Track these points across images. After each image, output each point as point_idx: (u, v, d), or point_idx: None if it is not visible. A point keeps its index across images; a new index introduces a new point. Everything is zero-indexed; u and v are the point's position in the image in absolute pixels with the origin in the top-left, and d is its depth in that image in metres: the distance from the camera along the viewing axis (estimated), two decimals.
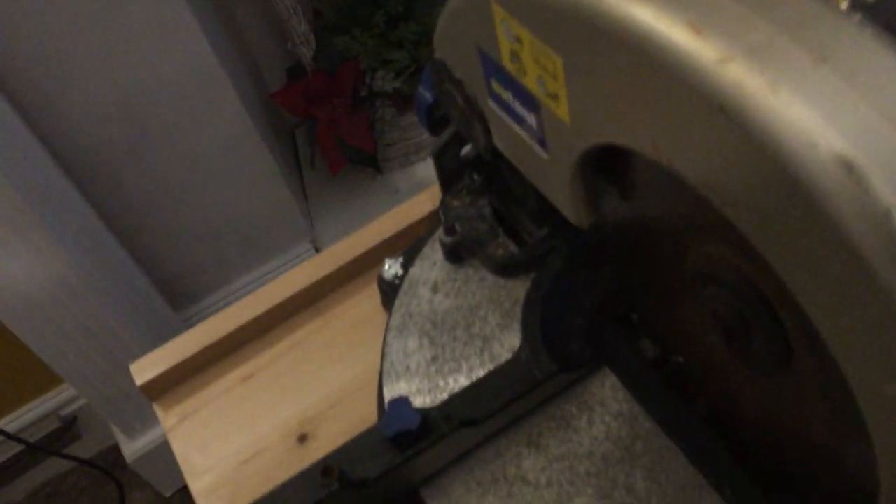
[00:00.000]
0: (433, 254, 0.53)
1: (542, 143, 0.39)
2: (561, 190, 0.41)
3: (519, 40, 0.35)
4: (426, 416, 0.43)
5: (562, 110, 0.35)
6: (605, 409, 0.45)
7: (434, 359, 0.49)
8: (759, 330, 0.34)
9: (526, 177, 0.44)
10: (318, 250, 1.55)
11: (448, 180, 0.53)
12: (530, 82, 0.37)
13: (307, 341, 0.58)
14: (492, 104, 0.42)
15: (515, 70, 0.37)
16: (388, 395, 0.48)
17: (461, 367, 0.48)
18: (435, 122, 0.54)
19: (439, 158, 0.52)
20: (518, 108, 0.40)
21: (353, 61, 1.42)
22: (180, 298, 1.44)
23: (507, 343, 0.48)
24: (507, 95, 0.40)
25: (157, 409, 0.57)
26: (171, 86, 1.22)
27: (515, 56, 0.37)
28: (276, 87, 1.57)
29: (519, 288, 0.51)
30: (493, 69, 0.40)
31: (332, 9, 1.43)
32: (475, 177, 0.53)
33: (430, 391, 0.48)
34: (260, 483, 0.53)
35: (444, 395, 0.47)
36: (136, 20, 1.12)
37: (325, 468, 0.44)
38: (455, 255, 0.52)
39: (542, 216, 0.50)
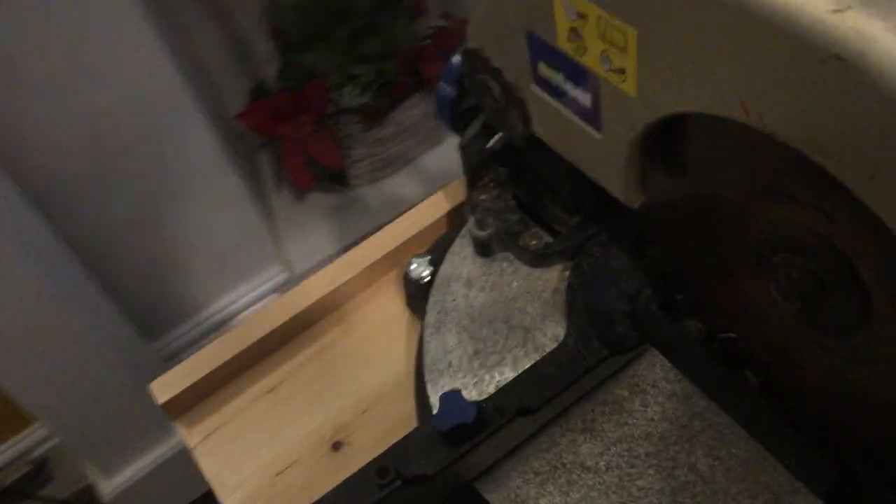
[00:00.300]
0: (463, 249, 0.53)
1: (596, 122, 0.39)
2: (613, 170, 0.41)
3: (582, 16, 0.35)
4: (480, 409, 0.43)
5: (629, 84, 0.35)
6: (657, 390, 0.45)
7: (476, 353, 0.48)
8: (839, 291, 0.34)
9: (569, 160, 0.44)
10: (290, 273, 1.52)
11: (474, 174, 0.53)
12: (590, 59, 0.37)
13: (331, 348, 0.57)
14: (535, 89, 0.42)
15: (573, 49, 0.37)
16: (433, 392, 0.47)
17: (505, 359, 0.48)
18: (457, 118, 0.54)
19: (467, 152, 0.52)
20: (570, 89, 0.40)
21: (318, 78, 1.41)
22: (152, 329, 1.40)
23: (550, 332, 0.48)
24: (558, 78, 0.40)
25: (180, 428, 0.55)
26: (136, 111, 1.19)
27: (575, 34, 0.36)
28: (237, 110, 1.55)
29: (554, 277, 0.50)
30: (543, 51, 0.39)
31: (294, 26, 1.42)
32: (501, 169, 0.53)
33: (475, 385, 0.47)
34: (297, 493, 0.51)
35: (491, 388, 0.47)
36: (100, 45, 1.09)
37: (381, 468, 0.42)
38: (487, 248, 0.52)
39: (574, 204, 0.50)
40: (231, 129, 1.57)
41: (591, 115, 0.39)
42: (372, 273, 0.58)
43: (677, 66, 0.32)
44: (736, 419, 0.43)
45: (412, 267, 0.54)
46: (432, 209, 0.60)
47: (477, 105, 0.48)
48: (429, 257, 0.54)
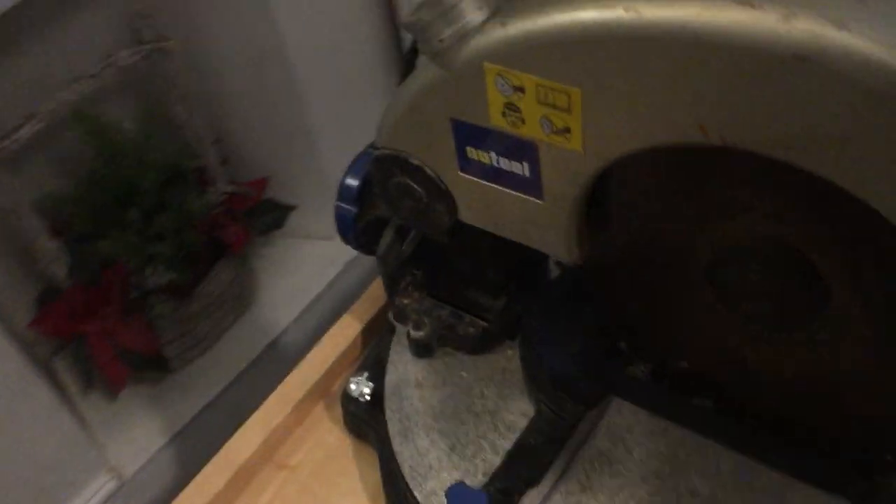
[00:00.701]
0: (400, 356, 0.53)
1: (536, 189, 0.42)
2: (555, 233, 0.43)
3: (519, 89, 0.38)
4: (489, 495, 0.42)
5: (573, 141, 0.38)
6: (633, 433, 0.47)
7: (452, 448, 0.48)
8: (798, 283, 0.38)
9: (504, 236, 0.46)
10: (119, 479, 1.40)
11: (393, 281, 0.54)
12: (529, 128, 0.40)
13: (280, 497, 0.53)
14: (462, 176, 0.45)
15: (508, 123, 0.40)
16: (425, 498, 0.46)
17: (482, 446, 0.48)
18: (359, 235, 0.55)
19: (384, 260, 0.53)
20: (504, 164, 0.42)
21: (115, 265, 1.35)
22: None
23: (515, 408, 0.49)
24: (489, 157, 0.43)
25: None
26: None
27: (511, 108, 0.40)
28: (23, 320, 1.43)
29: (499, 358, 0.52)
30: (471, 135, 0.42)
31: (81, 218, 1.36)
32: (416, 272, 0.54)
33: (463, 477, 0.46)
34: None
35: (480, 476, 0.46)
36: None
37: None
38: (426, 348, 0.52)
39: (498, 287, 0.52)
40: (21, 340, 1.45)
41: (530, 184, 0.42)
42: (301, 410, 0.56)
43: (627, 111, 0.36)
44: (714, 439, 0.46)
45: (352, 387, 0.53)
46: (339, 337, 0.60)
47: (390, 212, 0.50)
48: (365, 374, 0.53)
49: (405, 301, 0.53)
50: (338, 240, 1.69)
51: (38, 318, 1.36)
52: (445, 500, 0.42)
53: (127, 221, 1.39)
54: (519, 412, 0.49)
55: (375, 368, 0.53)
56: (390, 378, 0.51)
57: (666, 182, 0.40)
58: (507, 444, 0.47)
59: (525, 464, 0.44)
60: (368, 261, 1.69)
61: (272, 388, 1.46)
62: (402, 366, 0.52)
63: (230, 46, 1.48)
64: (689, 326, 0.45)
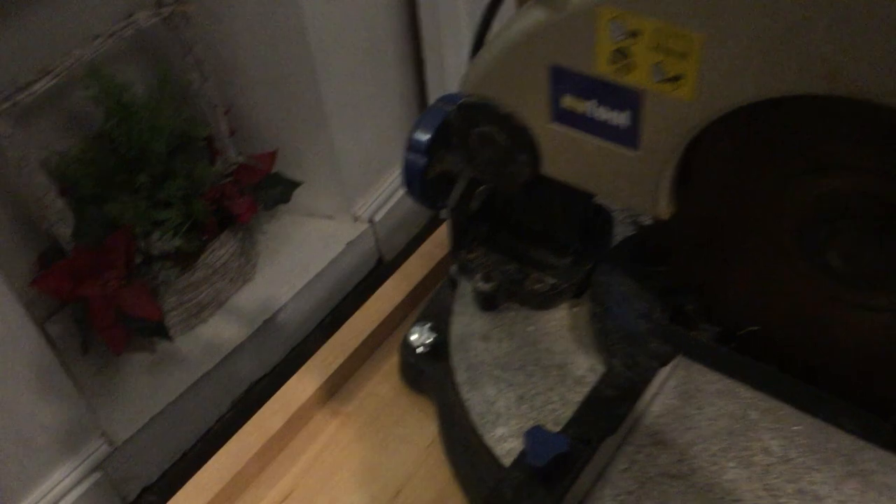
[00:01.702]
0: (464, 308, 0.53)
1: (633, 140, 0.42)
2: (645, 186, 0.44)
3: (634, 34, 0.39)
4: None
5: (685, 90, 0.39)
6: (703, 392, 0.47)
7: (521, 398, 0.48)
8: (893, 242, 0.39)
9: (586, 189, 0.47)
10: (110, 444, 1.38)
11: (461, 235, 0.54)
12: (637, 75, 0.40)
13: (335, 442, 0.53)
14: (553, 126, 0.45)
15: (614, 71, 0.40)
16: (492, 443, 0.46)
17: (551, 398, 0.48)
18: (425, 187, 0.55)
19: (454, 213, 0.53)
20: (601, 114, 0.43)
21: (122, 229, 1.34)
22: None
23: (583, 364, 0.49)
24: (585, 106, 0.43)
25: None
26: None
27: (620, 54, 0.40)
28: (21, 279, 1.42)
29: (564, 315, 0.52)
30: (569, 83, 0.42)
31: (89, 179, 1.34)
32: (481, 227, 0.54)
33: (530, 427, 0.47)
34: None
35: (550, 427, 0.46)
36: None
37: None
38: (491, 302, 0.52)
39: (565, 245, 0.53)
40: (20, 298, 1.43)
41: (627, 134, 0.42)
42: (355, 359, 0.56)
43: (750, 58, 0.36)
44: (783, 400, 0.46)
45: (413, 337, 0.53)
46: (394, 290, 0.60)
47: (466, 163, 0.50)
48: (428, 324, 0.53)
49: (470, 255, 0.53)
50: (340, 219, 1.70)
51: (40, 277, 1.34)
52: (523, 441, 0.42)
53: (135, 186, 1.37)
54: (587, 367, 0.49)
55: (436, 320, 0.53)
56: (455, 329, 0.51)
57: (764, 135, 0.40)
58: (576, 397, 0.47)
59: (601, 414, 0.44)
60: (369, 241, 1.70)
61: (268, 363, 1.45)
62: (467, 318, 0.52)
63: (248, 16, 1.47)
64: (770, 289, 0.45)
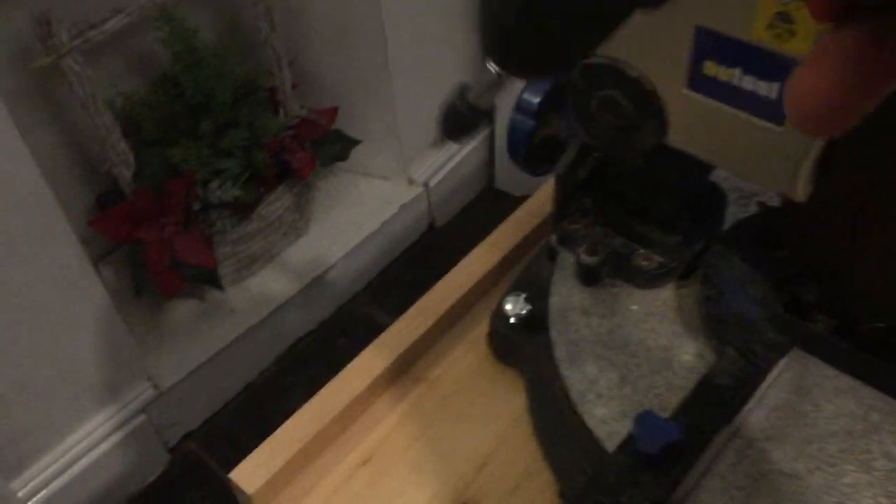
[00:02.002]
0: (564, 280, 0.50)
1: (779, 114, 0.39)
2: (786, 163, 0.41)
3: None
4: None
5: None
6: (822, 388, 0.45)
7: (623, 379, 0.46)
8: None
9: (716, 164, 0.44)
10: (156, 388, 1.39)
11: (565, 204, 0.51)
12: (798, 43, 0.37)
13: (418, 409, 0.51)
14: (688, 93, 0.42)
15: (772, 36, 0.37)
16: (593, 424, 0.44)
17: (655, 382, 0.45)
18: (530, 152, 0.52)
19: (561, 181, 0.50)
20: (747, 83, 0.39)
21: (183, 175, 1.33)
22: (6, 468, 1.21)
23: (691, 349, 0.47)
24: (730, 73, 0.40)
25: None
26: None
27: (782, 18, 0.37)
28: (80, 218, 1.41)
29: (669, 296, 0.49)
30: (716, 47, 0.39)
31: (153, 122, 1.33)
32: (585, 199, 0.52)
33: (635, 410, 0.44)
34: None
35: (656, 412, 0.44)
36: None
37: None
38: (594, 276, 0.49)
39: (673, 223, 0.50)
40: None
41: (774, 107, 0.39)
42: (441, 325, 0.54)
43: None
44: None
45: (508, 307, 0.51)
46: (483, 257, 0.57)
47: (583, 129, 0.47)
48: (523, 294, 0.51)
49: (574, 226, 0.51)
50: (396, 181, 1.67)
51: (99, 218, 1.34)
52: (632, 426, 0.40)
53: (198, 133, 1.36)
54: (694, 353, 0.46)
55: (531, 291, 0.51)
56: (554, 301, 0.49)
57: None
58: (682, 383, 0.45)
59: (714, 403, 0.42)
60: (422, 205, 1.67)
61: (314, 320, 1.43)
62: (566, 291, 0.49)
63: None
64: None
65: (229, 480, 0.46)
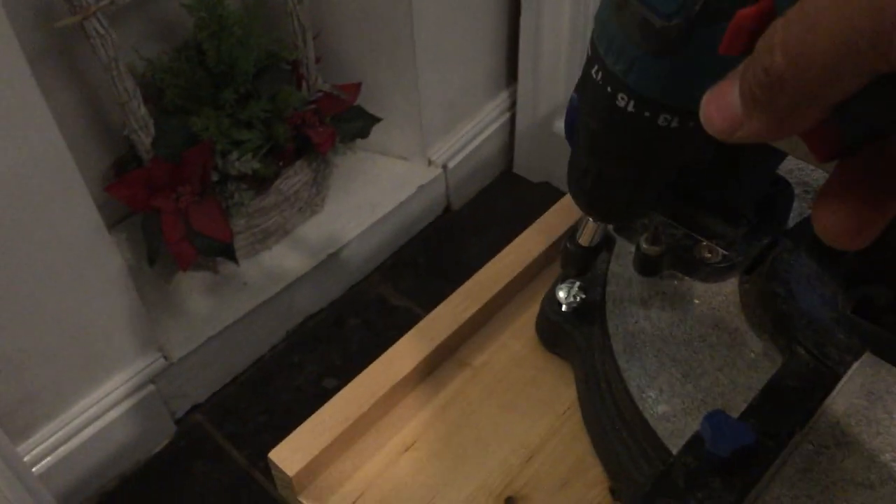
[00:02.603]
0: (622, 269, 0.48)
1: None
2: None
3: None
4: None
5: None
6: (893, 395, 0.43)
7: (685, 375, 0.44)
8: None
9: (791, 152, 0.42)
10: (166, 359, 1.37)
11: None
12: None
13: (462, 395, 0.49)
14: None
15: None
16: (654, 421, 0.42)
17: (719, 379, 0.43)
18: None
19: None
20: None
21: (202, 144, 1.30)
22: (14, 431, 1.19)
23: (756, 346, 0.45)
24: None
25: (307, 503, 0.45)
26: (9, 179, 1.03)
27: None
28: (95, 183, 1.39)
29: (731, 291, 0.47)
30: None
31: (175, 89, 1.31)
32: None
33: (699, 408, 0.42)
34: None
35: None
36: None
37: None
38: (654, 267, 0.47)
39: (737, 216, 0.48)
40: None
41: None
42: (487, 310, 0.52)
43: None
44: None
45: (561, 294, 0.49)
46: (531, 242, 0.55)
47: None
48: (577, 282, 0.49)
49: None
50: (414, 161, 1.64)
51: (115, 183, 1.32)
52: (701, 426, 0.38)
53: (219, 102, 1.34)
54: (760, 351, 0.44)
55: (585, 278, 0.49)
56: (612, 290, 0.47)
57: None
58: (748, 382, 0.43)
59: (786, 406, 0.40)
60: (440, 187, 1.65)
61: (327, 298, 1.41)
62: (624, 281, 0.47)
63: None
64: None
65: (269, 461, 0.44)
